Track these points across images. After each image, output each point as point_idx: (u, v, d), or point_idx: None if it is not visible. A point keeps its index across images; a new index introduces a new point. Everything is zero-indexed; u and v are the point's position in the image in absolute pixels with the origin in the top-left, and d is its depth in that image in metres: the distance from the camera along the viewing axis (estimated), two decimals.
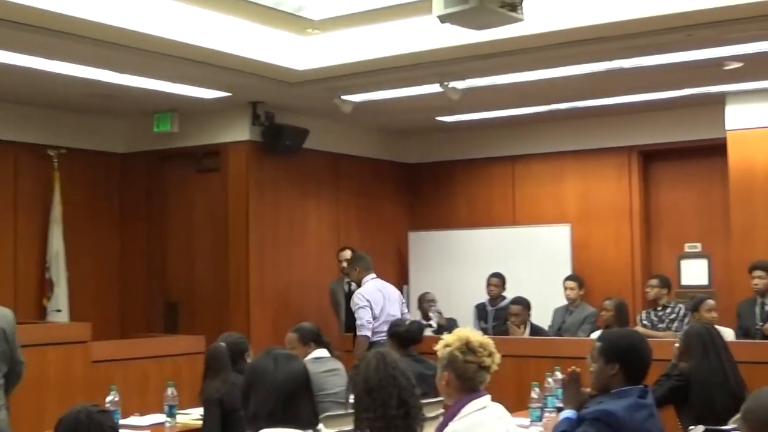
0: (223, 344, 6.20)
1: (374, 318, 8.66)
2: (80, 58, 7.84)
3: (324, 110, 10.01)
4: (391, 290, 9.08)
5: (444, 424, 4.01)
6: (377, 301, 8.78)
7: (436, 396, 5.58)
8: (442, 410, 5.97)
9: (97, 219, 10.77)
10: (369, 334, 8.59)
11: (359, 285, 8.99)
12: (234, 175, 10.23)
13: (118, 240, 11.01)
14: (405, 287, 11.95)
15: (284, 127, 10.12)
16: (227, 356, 6.09)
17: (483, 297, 10.50)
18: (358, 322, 8.69)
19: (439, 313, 10.04)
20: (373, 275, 9.05)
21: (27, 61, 7.86)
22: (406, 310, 9.06)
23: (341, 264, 9.95)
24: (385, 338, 7.87)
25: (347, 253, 9.91)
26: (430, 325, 9.89)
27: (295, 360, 3.38)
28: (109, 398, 6.17)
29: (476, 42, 7.33)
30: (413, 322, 7.47)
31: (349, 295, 9.66)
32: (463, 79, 8.67)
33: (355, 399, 3.51)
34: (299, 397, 3.27)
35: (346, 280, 9.86)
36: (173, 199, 10.84)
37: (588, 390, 4.43)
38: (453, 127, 11.54)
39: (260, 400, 3.23)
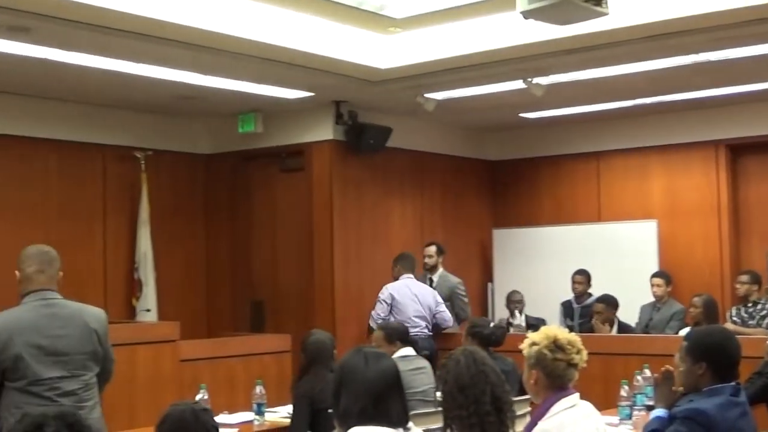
0: (327, 338, 6.24)
1: (389, 313, 9.18)
2: (167, 60, 7.94)
3: (407, 108, 10.02)
4: (424, 290, 9.45)
5: (533, 423, 3.98)
6: (402, 297, 9.24)
7: (519, 393, 5.55)
8: (528, 408, 5.95)
9: (184, 219, 10.91)
10: (374, 326, 8.74)
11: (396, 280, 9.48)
12: (318, 174, 10.29)
13: (204, 240, 11.14)
14: (489, 285, 11.93)
15: (367, 126, 10.15)
16: (331, 351, 6.11)
17: (568, 294, 10.43)
18: (372, 313, 9.33)
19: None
20: (411, 276, 9.50)
21: (115, 65, 7.99)
22: (442, 309, 9.36)
23: (424, 259, 9.96)
24: (417, 334, 8.79)
25: (432, 249, 9.97)
26: (516, 325, 9.86)
27: (385, 358, 3.37)
28: (198, 396, 6.25)
29: (560, 37, 7.28)
30: (497, 325, 7.45)
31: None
32: (546, 74, 8.61)
33: (445, 396, 3.50)
34: (390, 395, 3.26)
35: (429, 275, 9.89)
36: (258, 199, 10.93)
37: (679, 389, 4.37)
38: (536, 123, 11.46)
39: (351, 398, 3.24)
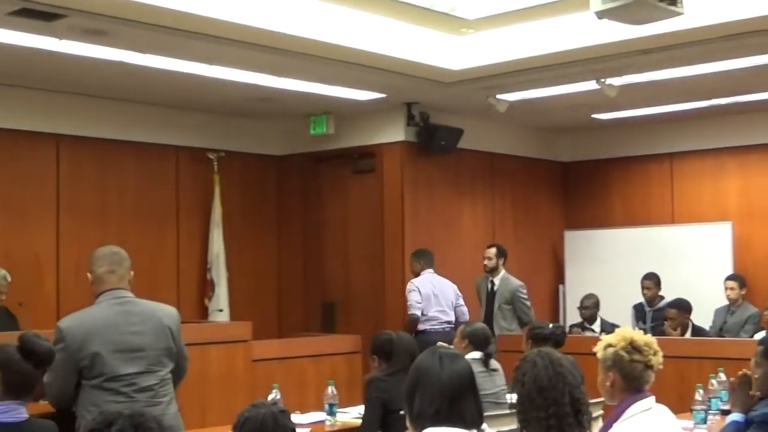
0: (410, 340, 6.24)
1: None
2: (241, 62, 8.01)
3: (478, 109, 9.99)
4: (445, 285, 9.59)
5: (608, 425, 3.93)
6: (426, 293, 9.41)
7: None
8: (601, 411, 5.90)
9: (255, 221, 11.00)
10: (418, 313, 9.30)
11: (418, 276, 9.63)
12: (389, 175, 10.31)
13: (276, 241, 11.22)
14: (560, 287, 11.85)
15: (439, 128, 10.15)
16: (416, 352, 6.08)
17: (640, 297, 10.30)
18: (408, 303, 9.44)
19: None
20: (432, 270, 9.63)
21: (189, 68, 8.09)
22: (461, 303, 9.58)
23: (484, 261, 9.89)
24: (435, 328, 9.23)
25: (492, 251, 9.90)
26: (592, 329, 9.72)
27: (460, 359, 3.36)
28: (271, 396, 6.27)
29: (634, 37, 7.21)
30: (557, 326, 7.37)
31: (491, 291, 9.77)
32: (620, 75, 8.53)
33: (523, 399, 3.47)
34: (464, 396, 3.25)
35: (490, 277, 9.83)
36: (329, 200, 10.98)
37: (756, 393, 4.31)
38: (609, 124, 11.37)
39: (425, 399, 3.22)
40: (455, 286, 9.62)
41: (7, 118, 8.98)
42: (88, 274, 4.97)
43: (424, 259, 9.68)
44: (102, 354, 4.71)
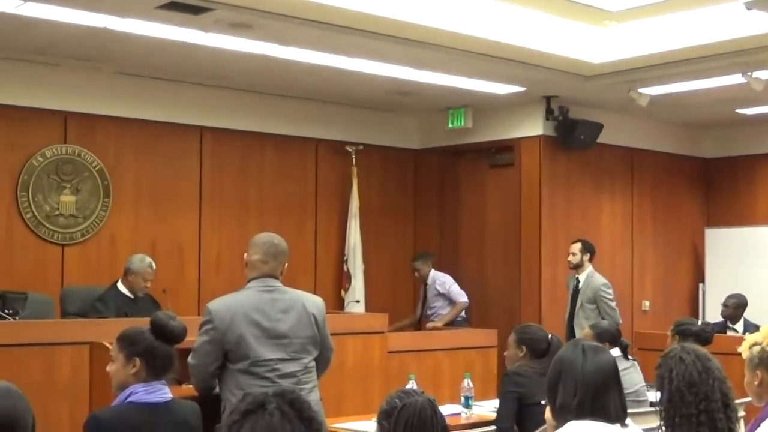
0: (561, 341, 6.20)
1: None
2: (381, 55, 8.06)
3: (618, 104, 9.85)
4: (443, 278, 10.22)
5: (755, 425, 3.83)
6: None
7: None
8: (743, 413, 5.76)
9: (392, 214, 11.06)
10: (466, 298, 10.04)
11: (425, 278, 10.19)
12: (527, 170, 10.25)
13: (412, 234, 11.26)
14: (701, 285, 11.60)
15: (578, 122, 10.04)
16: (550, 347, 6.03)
17: None
18: (457, 292, 10.03)
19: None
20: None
21: (330, 61, 8.17)
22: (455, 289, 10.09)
23: (568, 257, 9.41)
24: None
25: (577, 246, 9.33)
26: (734, 330, 9.46)
27: (603, 352, 3.33)
28: (407, 387, 6.30)
29: None
30: (706, 323, 7.21)
31: (576, 289, 9.28)
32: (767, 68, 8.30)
33: (671, 395, 3.40)
34: (608, 389, 3.21)
35: (575, 275, 9.35)
36: (466, 194, 10.98)
37: None
38: (754, 119, 11.06)
39: (568, 391, 3.20)
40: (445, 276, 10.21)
41: (154, 111, 9.24)
42: (245, 255, 5.09)
43: (431, 259, 10.31)
44: (247, 338, 4.82)
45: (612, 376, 3.25)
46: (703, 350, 3.49)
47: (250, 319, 4.86)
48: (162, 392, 3.98)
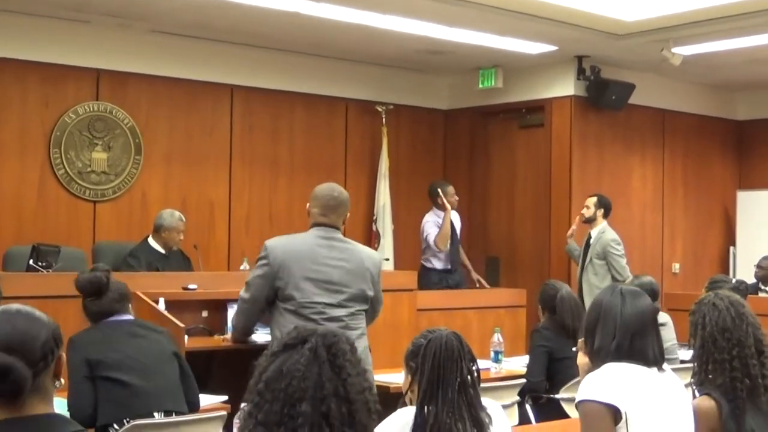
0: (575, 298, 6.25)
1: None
2: (413, 12, 8.02)
3: (651, 64, 9.78)
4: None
5: None
6: None
7: None
8: None
9: (422, 174, 11.01)
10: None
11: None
12: (557, 131, 10.20)
13: None
14: (731, 249, 11.55)
15: (610, 82, 9.96)
16: (580, 311, 6.05)
17: None
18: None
19: None
20: None
21: (362, 18, 8.13)
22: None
23: (582, 210, 9.21)
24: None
25: (592, 200, 9.14)
26: (766, 291, 9.41)
27: (642, 296, 3.32)
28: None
29: None
30: (741, 281, 7.18)
31: (587, 244, 9.07)
32: None
33: (704, 342, 3.40)
34: (646, 333, 3.22)
35: (588, 230, 9.11)
36: (496, 154, 10.95)
37: None
38: None
39: (607, 334, 3.21)
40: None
41: (186, 69, 9.26)
42: (307, 205, 5.25)
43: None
44: (297, 278, 4.94)
45: (651, 321, 3.26)
46: (736, 296, 3.49)
47: (303, 262, 5.00)
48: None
